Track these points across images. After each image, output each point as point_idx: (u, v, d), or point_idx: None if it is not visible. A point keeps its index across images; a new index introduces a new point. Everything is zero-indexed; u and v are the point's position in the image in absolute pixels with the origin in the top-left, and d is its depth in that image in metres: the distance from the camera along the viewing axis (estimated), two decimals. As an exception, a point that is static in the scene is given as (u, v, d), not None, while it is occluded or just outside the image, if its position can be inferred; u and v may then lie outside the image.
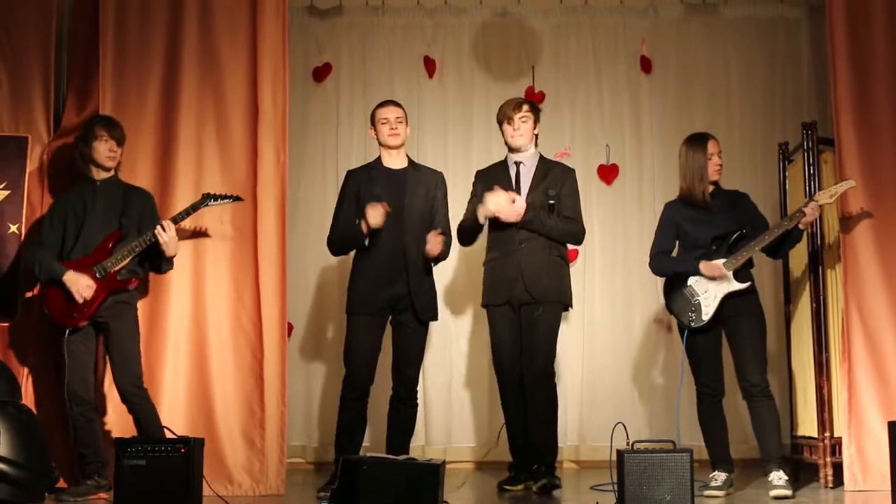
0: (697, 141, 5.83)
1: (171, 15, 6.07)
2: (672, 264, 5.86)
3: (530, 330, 5.78)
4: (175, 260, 5.72)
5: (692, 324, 5.68)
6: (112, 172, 5.66)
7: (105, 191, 5.60)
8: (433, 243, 5.74)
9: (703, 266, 5.66)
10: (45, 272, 5.48)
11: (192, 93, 6.01)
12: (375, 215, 5.68)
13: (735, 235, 5.67)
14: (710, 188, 5.80)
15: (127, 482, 4.93)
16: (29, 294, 5.89)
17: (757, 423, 5.67)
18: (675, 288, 5.79)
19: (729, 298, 5.63)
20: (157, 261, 5.60)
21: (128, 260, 5.47)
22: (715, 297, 5.64)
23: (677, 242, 5.90)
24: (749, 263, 5.71)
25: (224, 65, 6.03)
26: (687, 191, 5.80)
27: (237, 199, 5.73)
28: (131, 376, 5.46)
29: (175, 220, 5.53)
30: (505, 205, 5.76)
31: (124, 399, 5.48)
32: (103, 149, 5.56)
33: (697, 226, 5.76)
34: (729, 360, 5.79)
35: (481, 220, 5.85)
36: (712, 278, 5.63)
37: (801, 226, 5.66)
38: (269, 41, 6.02)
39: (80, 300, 5.39)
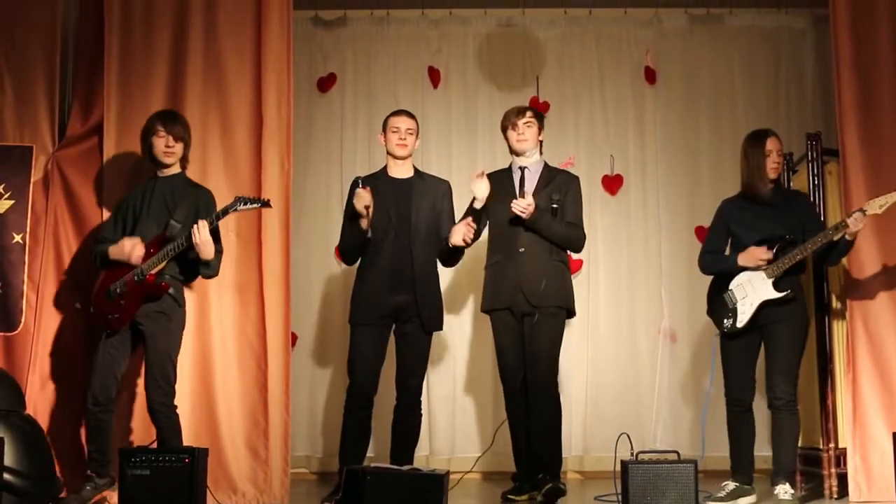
0: (757, 137, 5.75)
1: (175, 24, 6.09)
2: (717, 264, 5.77)
3: (532, 339, 5.76)
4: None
5: (727, 329, 5.62)
6: (176, 168, 5.58)
7: (163, 188, 5.52)
8: (458, 231, 5.71)
9: (741, 257, 5.60)
10: (96, 259, 5.49)
11: (196, 102, 6.03)
12: (360, 201, 5.62)
13: (780, 242, 5.56)
14: (770, 186, 5.72)
15: (131, 492, 4.93)
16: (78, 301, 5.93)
17: (776, 435, 5.60)
18: (716, 292, 5.73)
19: (767, 305, 5.56)
20: (194, 267, 5.47)
21: (163, 264, 5.35)
22: (752, 304, 5.55)
23: (729, 241, 5.81)
24: (796, 269, 5.60)
25: (228, 74, 6.05)
26: (749, 188, 5.72)
27: (266, 204, 5.48)
28: (160, 392, 5.37)
29: (210, 223, 5.33)
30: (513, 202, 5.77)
31: (150, 412, 5.41)
32: (160, 144, 5.48)
33: (745, 228, 5.69)
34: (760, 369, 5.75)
35: (478, 205, 5.82)
36: (754, 268, 5.54)
37: (847, 236, 5.53)
38: (274, 51, 6.04)
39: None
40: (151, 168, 5.61)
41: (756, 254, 5.57)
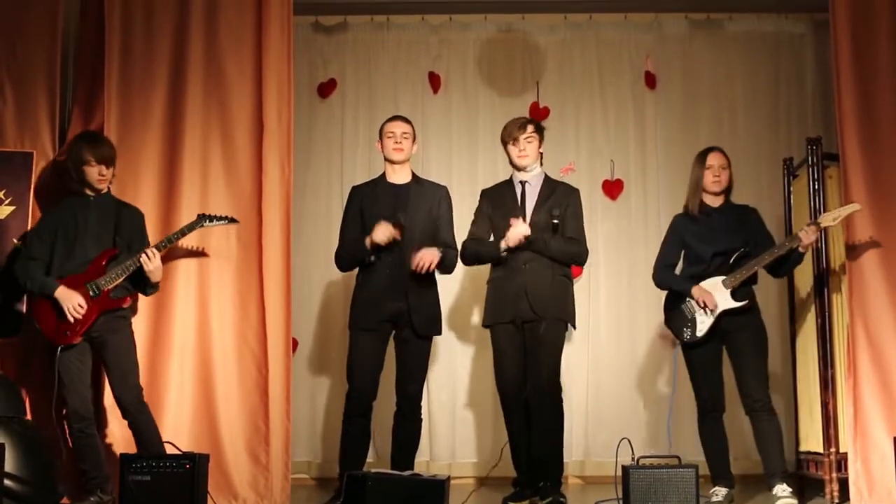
0: (701, 153, 5.92)
1: (176, 30, 6.10)
2: (671, 281, 5.91)
3: (534, 346, 5.76)
4: (180, 275, 5.76)
5: (687, 339, 5.75)
6: (106, 188, 5.64)
7: (98, 207, 5.58)
8: (421, 258, 5.70)
9: (696, 290, 5.72)
10: (37, 287, 5.45)
11: (197, 108, 6.03)
12: (382, 234, 5.68)
13: (738, 253, 5.71)
14: (719, 201, 5.86)
15: (132, 498, 4.93)
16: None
17: (760, 439, 5.70)
18: (674, 302, 5.86)
19: (726, 315, 5.68)
20: (142, 284, 5.58)
21: (121, 279, 5.44)
22: (711, 314, 5.69)
23: (682, 255, 5.93)
24: (750, 280, 5.75)
25: (229, 80, 6.05)
26: (687, 202, 5.91)
27: (233, 220, 5.70)
28: (132, 390, 5.44)
29: (159, 248, 5.49)
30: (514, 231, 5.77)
31: (125, 413, 5.46)
32: (93, 172, 5.52)
33: (700, 240, 5.82)
34: (730, 376, 5.80)
35: (503, 253, 5.81)
36: (702, 305, 5.68)
37: (800, 248, 5.69)
38: (274, 57, 6.04)
39: (72, 319, 5.36)
40: (77, 190, 5.61)
41: (711, 302, 5.66)
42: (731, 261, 5.71)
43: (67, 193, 5.69)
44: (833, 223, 5.70)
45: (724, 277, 5.70)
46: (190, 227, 5.60)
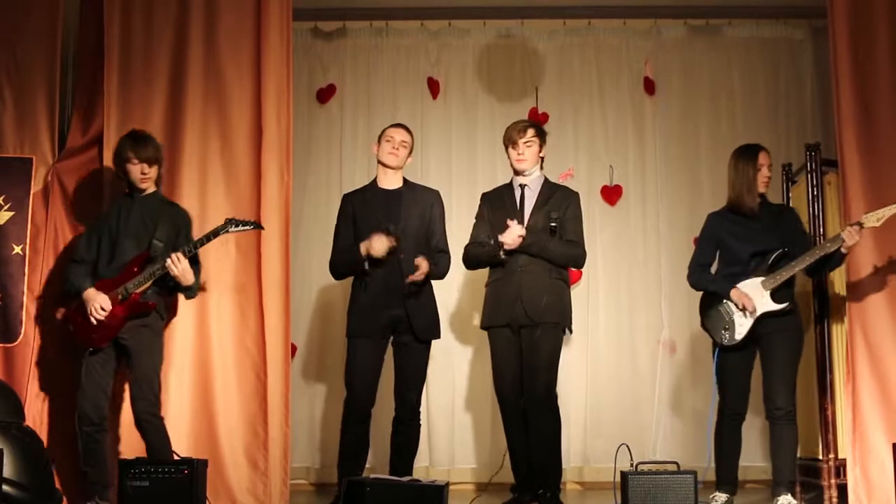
0: (749, 152, 5.76)
1: (175, 36, 6.10)
2: (708, 282, 5.80)
3: (531, 352, 5.76)
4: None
5: (725, 342, 5.64)
6: (152, 187, 5.59)
7: (141, 207, 5.53)
8: (418, 271, 5.68)
9: (734, 293, 5.61)
10: (72, 288, 5.46)
11: (196, 113, 6.04)
12: (380, 247, 5.66)
13: (776, 254, 5.60)
14: (757, 200, 5.72)
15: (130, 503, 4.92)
16: (59, 312, 5.89)
17: (775, 445, 5.62)
18: (711, 304, 5.74)
19: (765, 317, 5.58)
20: (179, 287, 5.50)
21: (149, 283, 5.37)
22: (751, 315, 5.59)
23: (717, 255, 5.83)
24: (790, 282, 5.63)
25: (228, 85, 6.06)
26: (735, 201, 5.74)
27: (258, 226, 5.57)
28: (147, 403, 5.38)
29: (185, 252, 5.35)
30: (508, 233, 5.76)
31: (138, 424, 5.41)
32: (135, 171, 5.49)
33: (739, 240, 5.71)
34: (756, 381, 5.76)
35: (502, 256, 5.80)
36: (741, 308, 5.59)
37: (843, 249, 5.57)
38: (273, 62, 6.05)
39: (93, 321, 5.33)
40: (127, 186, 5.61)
41: (749, 304, 5.56)
42: (770, 262, 5.60)
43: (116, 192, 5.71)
44: (877, 224, 5.54)
45: (763, 278, 5.58)
46: (216, 232, 5.44)
